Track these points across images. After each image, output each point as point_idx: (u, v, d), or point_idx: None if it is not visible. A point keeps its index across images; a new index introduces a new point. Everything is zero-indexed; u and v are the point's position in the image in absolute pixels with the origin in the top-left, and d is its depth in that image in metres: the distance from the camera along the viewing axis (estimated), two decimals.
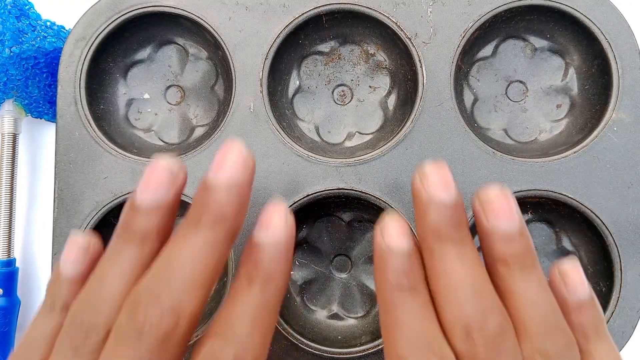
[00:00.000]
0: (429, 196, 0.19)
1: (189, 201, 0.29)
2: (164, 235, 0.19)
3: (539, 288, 0.19)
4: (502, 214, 0.19)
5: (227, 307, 0.19)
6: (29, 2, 0.33)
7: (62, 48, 0.31)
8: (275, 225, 0.19)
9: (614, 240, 0.29)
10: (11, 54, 0.31)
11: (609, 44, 0.30)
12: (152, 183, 0.19)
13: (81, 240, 0.21)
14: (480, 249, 0.20)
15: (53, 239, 0.31)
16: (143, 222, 0.19)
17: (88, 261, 0.21)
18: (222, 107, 0.32)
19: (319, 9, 0.31)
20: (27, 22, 0.32)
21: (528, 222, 0.32)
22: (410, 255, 0.19)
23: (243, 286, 0.19)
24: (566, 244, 0.32)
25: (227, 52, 0.31)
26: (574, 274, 0.20)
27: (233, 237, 0.19)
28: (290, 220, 0.19)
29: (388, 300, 0.19)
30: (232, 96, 0.31)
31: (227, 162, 0.18)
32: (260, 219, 0.19)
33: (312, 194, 0.30)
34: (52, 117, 0.34)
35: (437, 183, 0.19)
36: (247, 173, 0.19)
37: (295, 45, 0.32)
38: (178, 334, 0.17)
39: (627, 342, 0.29)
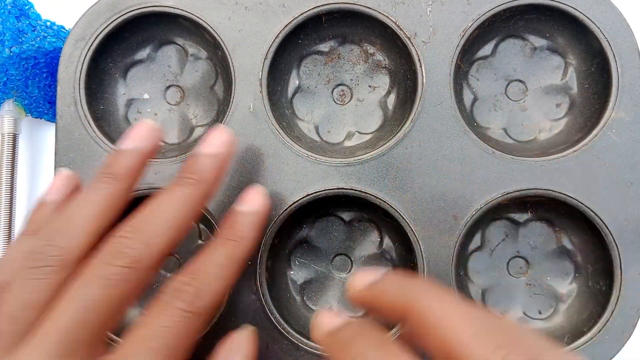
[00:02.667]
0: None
1: None
2: (134, 179, 0.23)
3: None
4: None
5: (200, 255, 0.22)
6: (29, 2, 0.33)
7: (62, 48, 0.31)
8: (254, 200, 0.24)
9: (614, 240, 0.29)
10: (11, 54, 0.31)
11: (609, 43, 0.30)
12: (133, 135, 0.23)
13: (65, 172, 0.25)
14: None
15: None
16: (121, 163, 0.23)
17: (67, 191, 0.25)
18: (222, 107, 0.33)
19: (319, 9, 0.31)
20: (27, 22, 0.32)
21: (528, 221, 0.32)
22: None
23: (218, 242, 0.23)
24: (566, 243, 0.32)
25: (226, 52, 0.31)
26: None
27: (207, 197, 0.23)
28: (267, 199, 0.24)
29: None
30: (232, 96, 0.31)
31: (213, 140, 0.24)
32: (240, 196, 0.24)
33: (312, 193, 0.30)
34: (52, 117, 0.34)
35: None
36: (228, 150, 0.24)
37: (294, 45, 0.32)
38: (146, 262, 0.21)
39: (627, 341, 0.29)
